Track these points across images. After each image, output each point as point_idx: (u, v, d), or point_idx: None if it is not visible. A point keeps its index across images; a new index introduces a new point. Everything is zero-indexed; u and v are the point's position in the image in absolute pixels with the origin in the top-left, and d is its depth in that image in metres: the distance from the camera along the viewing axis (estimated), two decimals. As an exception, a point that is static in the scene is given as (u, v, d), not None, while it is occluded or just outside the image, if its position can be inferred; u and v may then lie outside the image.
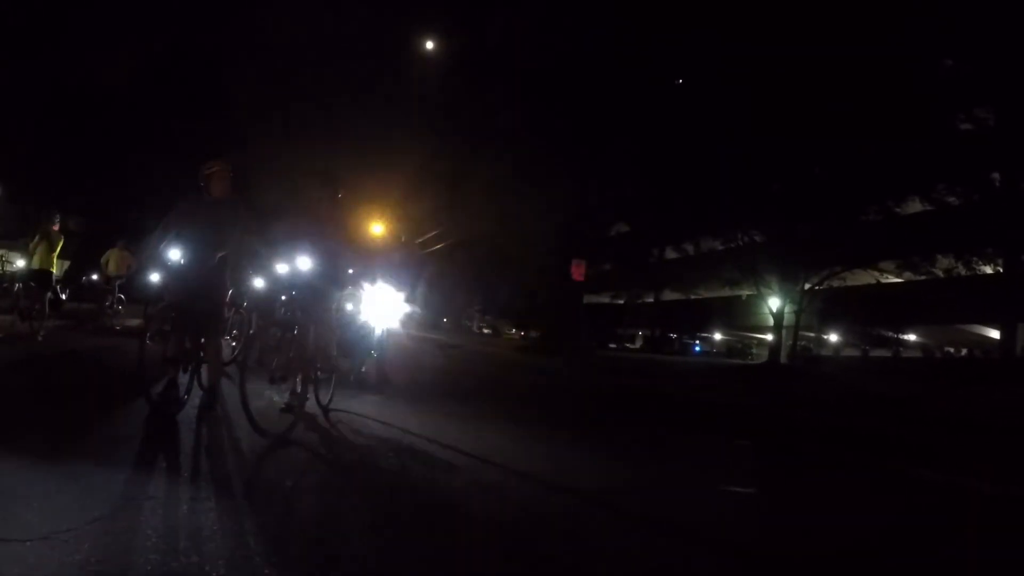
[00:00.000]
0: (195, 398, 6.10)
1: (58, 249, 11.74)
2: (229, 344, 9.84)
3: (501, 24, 30.30)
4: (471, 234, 33.88)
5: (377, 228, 18.42)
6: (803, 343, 35.10)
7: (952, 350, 38.84)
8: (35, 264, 11.50)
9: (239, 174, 6.54)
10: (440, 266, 36.63)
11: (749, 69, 23.28)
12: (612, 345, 47.38)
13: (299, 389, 6.32)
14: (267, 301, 9.50)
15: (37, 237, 11.54)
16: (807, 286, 26.19)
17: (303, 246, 6.61)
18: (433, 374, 14.48)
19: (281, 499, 4.11)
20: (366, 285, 8.55)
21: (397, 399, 8.82)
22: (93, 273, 17.94)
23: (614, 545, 4.01)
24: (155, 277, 12.34)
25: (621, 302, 48.73)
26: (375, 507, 4.21)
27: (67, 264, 15.64)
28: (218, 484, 4.13)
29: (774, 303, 27.38)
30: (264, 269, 9.06)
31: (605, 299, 48.09)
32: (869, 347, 38.63)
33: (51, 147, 33.14)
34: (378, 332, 9.82)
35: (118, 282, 15.82)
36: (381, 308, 9.63)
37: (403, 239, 14.14)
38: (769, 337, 31.85)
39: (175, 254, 6.22)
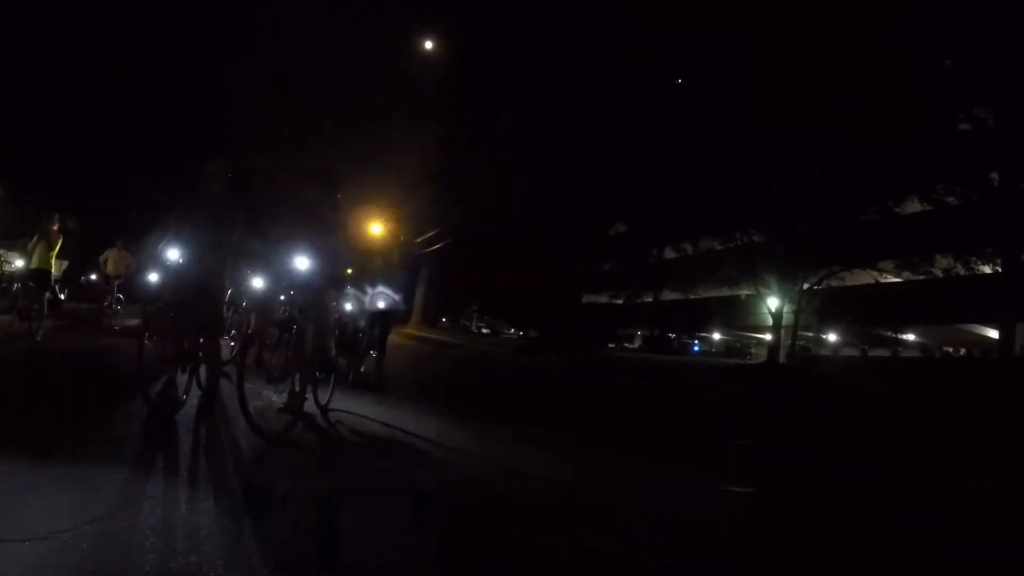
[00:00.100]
0: (194, 398, 6.09)
1: (57, 249, 11.72)
2: (228, 344, 9.84)
3: (501, 24, 30.27)
4: (470, 234, 33.84)
5: (376, 228, 18.42)
6: (802, 343, 35.07)
7: (951, 350, 38.81)
8: (34, 264, 11.48)
9: (238, 174, 6.53)
10: (438, 266, 36.64)
11: (749, 69, 23.29)
12: (611, 345, 47.37)
13: (297, 389, 6.32)
14: (266, 301, 9.48)
15: (36, 237, 11.52)
16: (806, 286, 26.18)
17: (302, 246, 6.60)
18: (431, 374, 14.47)
19: (279, 499, 4.11)
20: (365, 285, 8.55)
21: (395, 399, 8.81)
22: (92, 273, 17.93)
23: (614, 545, 4.02)
24: (154, 277, 12.35)
25: (620, 302, 48.70)
26: (373, 507, 4.21)
27: (66, 264, 15.64)
28: (216, 484, 4.13)
29: (773, 303, 27.38)
30: (263, 269, 9.06)
31: (604, 299, 48.07)
32: (868, 347, 38.59)
33: (50, 147, 33.12)
34: (377, 332, 9.82)
35: (117, 282, 15.79)
36: (380, 308, 9.62)
37: (402, 239, 14.10)
38: (768, 337, 31.85)
39: (174, 254, 6.22)
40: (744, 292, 33.46)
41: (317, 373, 6.66)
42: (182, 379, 6.03)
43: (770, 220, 25.69)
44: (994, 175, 23.42)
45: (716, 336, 52.66)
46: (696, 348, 51.94)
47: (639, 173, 28.62)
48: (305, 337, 6.42)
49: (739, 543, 4.35)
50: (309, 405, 6.46)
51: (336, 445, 5.88)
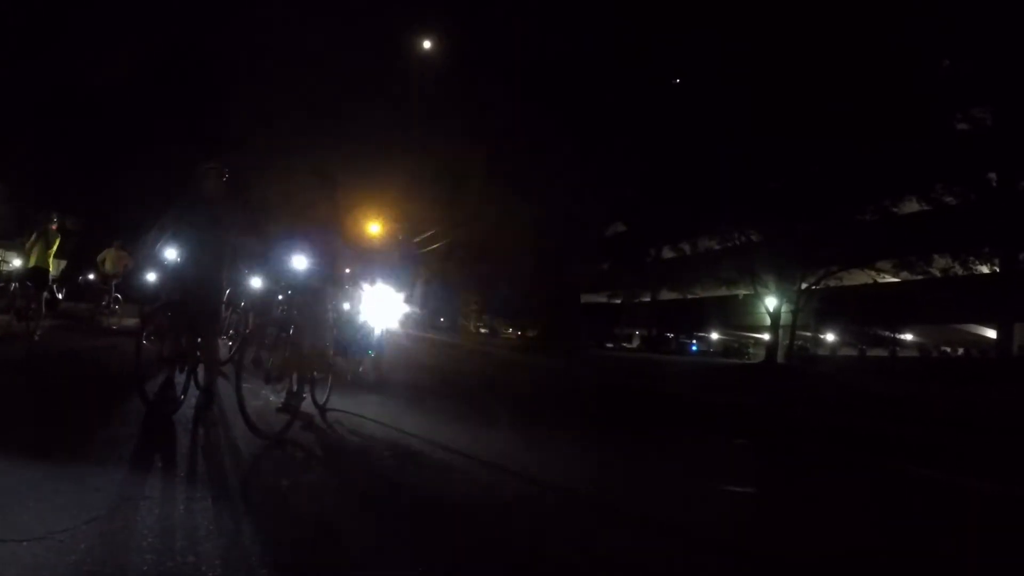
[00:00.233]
0: (191, 398, 6.09)
1: (55, 248, 11.72)
2: (226, 344, 9.84)
3: (500, 23, 30.26)
4: (468, 233, 33.84)
5: (374, 227, 18.37)
6: (800, 343, 35.07)
7: (949, 350, 38.85)
8: (32, 263, 11.47)
9: (236, 174, 6.53)
10: (437, 265, 36.63)
11: (748, 68, 23.30)
12: (609, 345, 47.40)
13: (295, 389, 6.31)
14: (264, 301, 9.48)
15: (34, 236, 11.53)
16: (804, 286, 26.20)
17: (300, 245, 6.60)
18: (430, 374, 14.46)
19: (277, 499, 4.11)
20: (364, 284, 8.54)
21: (394, 399, 8.81)
22: (90, 273, 17.92)
23: (613, 545, 4.01)
24: (152, 277, 12.34)
25: (618, 302, 48.74)
26: (371, 507, 4.21)
27: (64, 263, 15.60)
28: (214, 484, 4.13)
29: (771, 303, 27.40)
30: (261, 269, 9.05)
31: (602, 299, 48.10)
32: (866, 346, 38.64)
33: (48, 147, 33.08)
34: (376, 332, 9.81)
35: (115, 282, 15.79)
36: (379, 307, 9.62)
37: (400, 238, 14.09)
38: (766, 337, 31.86)
39: (171, 254, 6.21)
40: (742, 292, 33.46)
41: (315, 373, 6.66)
42: (180, 379, 6.04)
43: (768, 220, 25.70)
44: (992, 175, 23.44)
45: (714, 336, 52.67)
46: (694, 348, 51.97)
47: (637, 173, 28.61)
48: (303, 337, 6.41)
49: (739, 543, 4.35)
50: (307, 405, 6.45)
51: (334, 445, 5.88)
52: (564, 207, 28.05)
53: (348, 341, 8.74)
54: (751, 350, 46.09)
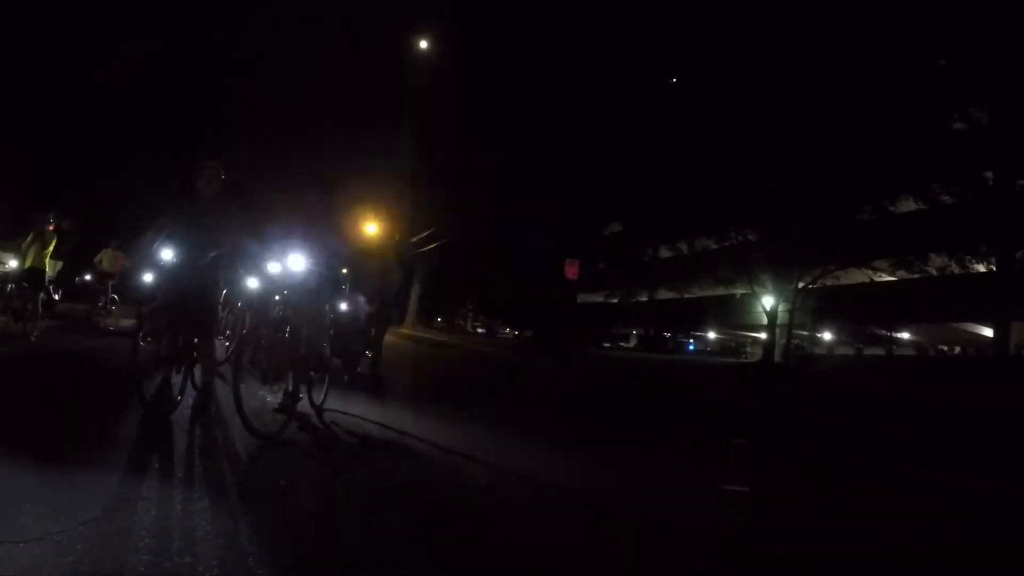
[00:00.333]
0: (188, 398, 6.09)
1: (51, 249, 11.71)
2: (223, 344, 9.83)
3: (496, 24, 30.30)
4: (466, 233, 33.86)
5: (371, 227, 18.37)
6: (797, 342, 35.11)
7: (946, 348, 38.89)
8: (28, 264, 11.46)
9: (232, 174, 6.53)
10: (434, 265, 36.68)
11: (744, 67, 23.31)
12: (607, 344, 47.41)
13: (291, 389, 6.31)
14: (261, 301, 9.47)
15: (30, 237, 11.51)
16: (801, 285, 26.19)
17: (297, 245, 6.59)
18: (427, 374, 14.47)
19: (274, 499, 4.11)
20: (360, 284, 8.55)
21: (391, 399, 8.82)
22: (86, 273, 17.92)
23: (612, 545, 4.02)
24: (149, 277, 12.33)
25: (615, 301, 48.79)
26: (369, 507, 4.21)
27: (60, 264, 15.59)
28: (211, 485, 4.13)
29: (768, 302, 27.39)
30: (257, 269, 9.05)
31: (599, 298, 48.14)
32: (863, 345, 38.68)
33: (45, 147, 33.09)
34: (373, 332, 9.82)
35: (111, 282, 15.79)
36: (376, 307, 9.62)
37: (397, 238, 14.10)
38: (763, 336, 31.88)
39: (168, 254, 6.21)
40: (739, 291, 33.48)
41: (311, 373, 6.65)
42: (177, 379, 6.03)
43: (765, 219, 25.69)
44: (989, 174, 23.48)
45: (711, 335, 52.71)
46: (691, 347, 51.99)
47: (635, 172, 28.63)
48: (300, 337, 6.41)
49: (738, 543, 4.34)
50: (304, 405, 6.45)
51: (331, 445, 5.88)
52: (561, 206, 28.08)
53: (346, 341, 8.75)
54: (748, 349, 46.13)
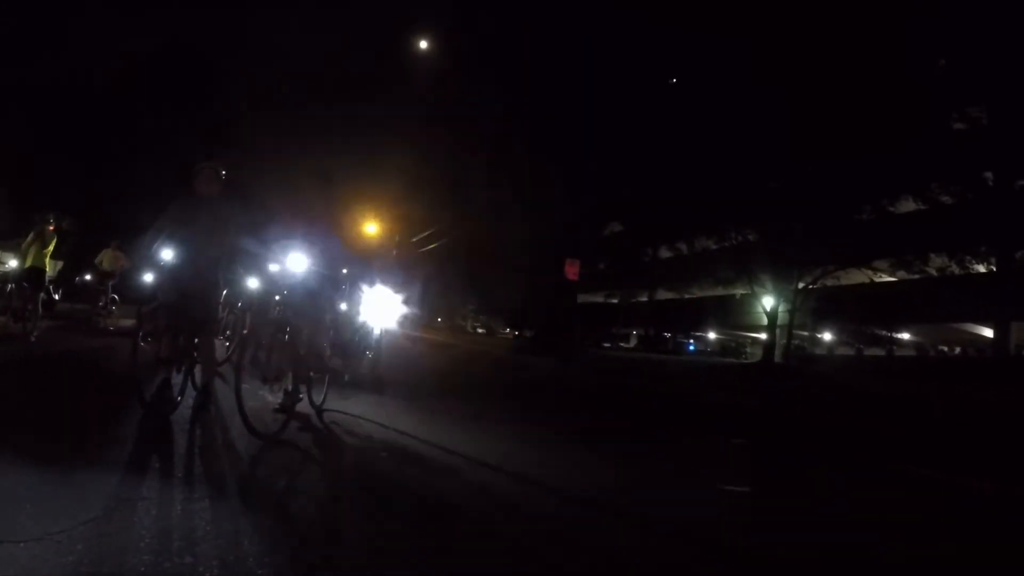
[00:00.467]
0: (189, 398, 6.08)
1: (51, 248, 11.70)
2: (223, 344, 9.83)
3: (497, 25, 30.30)
4: (466, 234, 33.87)
5: (372, 228, 18.39)
6: (797, 342, 35.09)
7: (946, 349, 38.87)
8: (28, 263, 11.45)
9: (233, 174, 6.53)
10: (434, 266, 36.66)
11: (744, 68, 23.32)
12: (606, 344, 47.42)
13: (292, 389, 6.31)
14: (261, 301, 9.47)
15: (30, 236, 11.50)
16: (801, 285, 26.21)
17: (297, 246, 6.59)
18: (427, 374, 14.47)
19: (275, 500, 4.11)
20: (362, 285, 8.54)
21: (391, 399, 8.82)
22: (87, 273, 17.93)
23: (610, 545, 4.01)
24: (149, 277, 12.32)
25: (615, 301, 48.83)
26: (368, 508, 4.20)
27: (60, 264, 15.58)
28: (212, 485, 4.12)
29: (768, 302, 27.41)
30: (258, 269, 9.05)
31: (599, 298, 48.18)
32: (863, 346, 38.64)
33: (46, 147, 33.07)
34: (374, 332, 9.82)
35: (111, 282, 15.79)
36: (377, 308, 9.62)
37: (397, 239, 14.09)
38: (763, 336, 31.88)
39: (168, 254, 6.20)
40: (739, 292, 33.50)
41: (312, 373, 6.65)
42: (177, 379, 6.02)
43: (765, 219, 25.71)
44: (988, 174, 23.49)
45: (711, 335, 52.69)
46: (692, 347, 51.96)
47: (634, 173, 28.65)
48: (300, 337, 6.41)
49: (738, 543, 4.34)
50: (304, 406, 6.45)
51: (331, 445, 5.87)
52: (561, 207, 28.09)
53: (346, 341, 8.75)
54: (748, 350, 46.12)
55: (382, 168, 31.27)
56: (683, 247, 37.72)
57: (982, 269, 25.33)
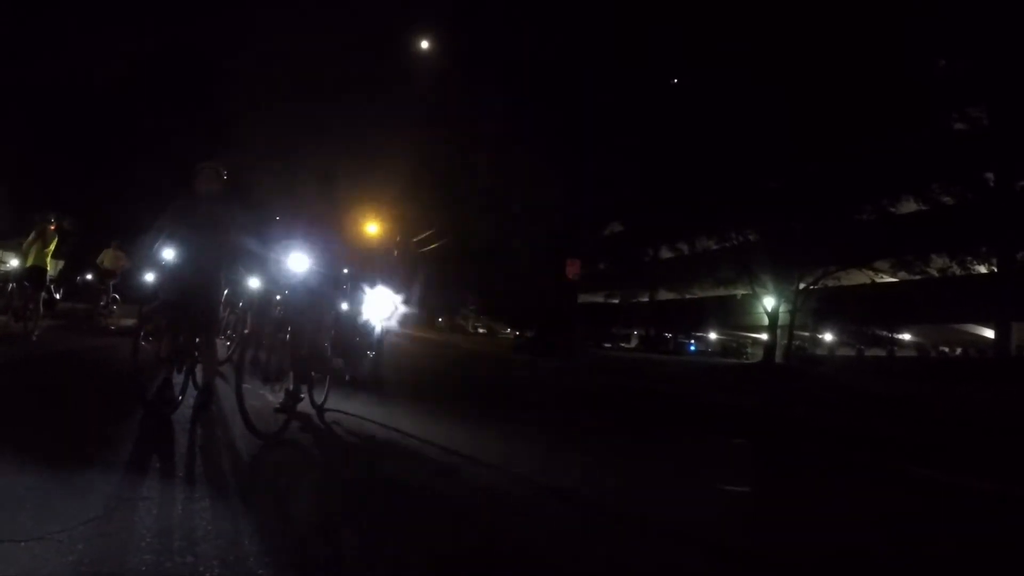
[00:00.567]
0: (190, 398, 6.08)
1: (52, 248, 11.71)
2: (224, 344, 9.83)
3: (498, 24, 30.31)
4: (466, 233, 33.88)
5: (372, 228, 18.37)
6: (798, 343, 35.06)
7: (947, 349, 38.84)
8: (29, 263, 11.46)
9: (234, 173, 6.53)
10: (435, 266, 36.70)
11: (744, 67, 23.31)
12: (607, 344, 47.39)
13: (293, 389, 6.31)
14: (262, 301, 9.47)
15: (32, 236, 11.51)
16: (802, 286, 26.19)
17: (298, 245, 6.59)
18: (428, 374, 14.47)
19: (276, 500, 4.11)
20: (364, 285, 8.54)
21: (392, 399, 8.82)
22: (88, 273, 17.95)
23: (611, 546, 4.01)
24: (150, 276, 12.34)
25: (616, 301, 48.78)
26: (369, 508, 4.20)
27: (62, 263, 15.62)
28: (213, 484, 4.12)
29: (769, 302, 27.39)
30: (259, 268, 9.05)
31: (600, 299, 48.14)
32: (864, 346, 38.60)
33: (46, 146, 33.10)
34: (376, 332, 9.82)
35: (112, 282, 15.80)
36: (378, 308, 9.62)
37: (399, 239, 14.10)
38: (764, 337, 31.86)
39: (169, 254, 6.20)
40: (740, 292, 33.48)
41: (313, 373, 6.65)
42: (178, 379, 6.03)
43: (766, 219, 25.70)
44: (989, 174, 23.48)
45: (712, 336, 52.65)
46: (692, 348, 51.91)
47: (634, 172, 28.65)
48: (301, 337, 6.41)
49: (738, 543, 4.34)
50: (305, 405, 6.45)
51: (332, 445, 5.87)
52: (562, 207, 28.10)
53: (347, 341, 8.74)
54: (749, 350, 46.08)
55: (383, 168, 31.36)
56: (684, 247, 37.68)
57: (983, 270, 25.31)
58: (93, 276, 16.85)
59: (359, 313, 9.17)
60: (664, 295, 45.48)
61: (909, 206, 25.13)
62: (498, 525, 4.21)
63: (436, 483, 5.01)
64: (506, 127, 28.99)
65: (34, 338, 11.05)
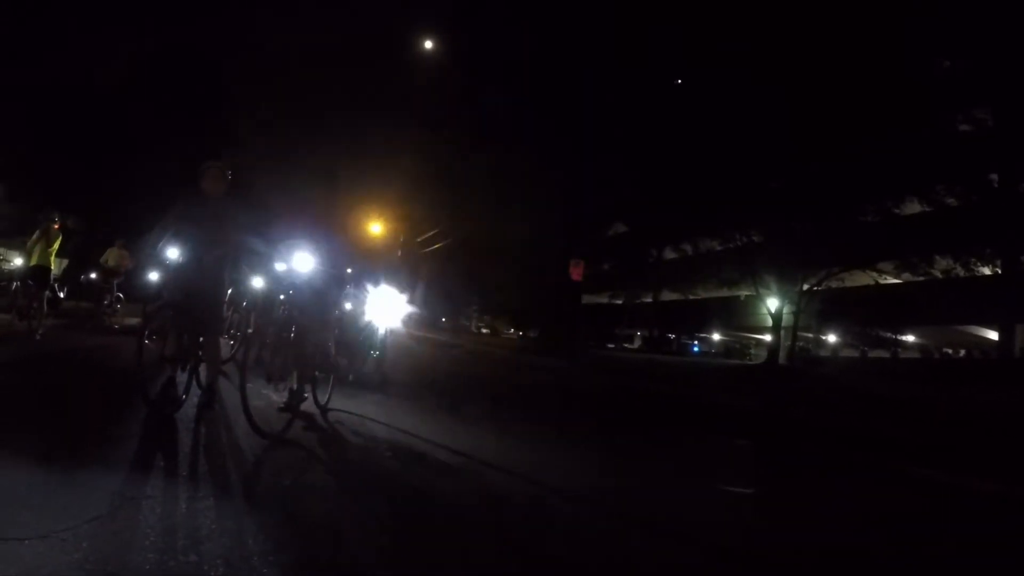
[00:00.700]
0: (193, 397, 6.09)
1: (56, 247, 11.72)
2: (227, 343, 9.84)
3: (501, 24, 30.28)
4: (470, 234, 33.85)
5: (376, 228, 18.39)
6: (801, 344, 35.05)
7: (950, 351, 38.79)
8: (33, 262, 11.47)
9: (237, 173, 6.54)
10: (439, 266, 36.67)
11: (748, 68, 23.28)
12: (610, 345, 47.37)
13: (296, 388, 6.31)
14: (266, 300, 9.48)
15: (36, 235, 11.52)
16: (805, 287, 26.17)
17: (302, 245, 6.59)
18: (431, 374, 14.46)
19: (279, 499, 4.11)
20: (367, 285, 8.55)
21: (395, 399, 8.82)
22: (92, 272, 17.98)
23: (613, 546, 4.01)
24: (154, 276, 12.35)
25: (619, 302, 48.72)
26: (373, 507, 4.20)
27: (66, 262, 15.65)
28: (216, 483, 4.13)
29: (772, 304, 27.38)
30: (263, 268, 9.06)
31: (603, 299, 48.09)
32: (867, 348, 38.55)
33: (50, 146, 33.12)
34: (379, 332, 9.83)
35: (117, 281, 15.81)
36: (381, 307, 9.63)
37: (402, 239, 14.11)
38: (767, 338, 31.85)
39: (174, 253, 6.21)
40: (744, 293, 33.48)
41: (316, 373, 6.65)
42: (182, 378, 6.03)
43: (769, 220, 25.68)
44: (993, 176, 23.43)
45: (716, 337, 52.62)
46: (696, 349, 51.88)
47: (638, 173, 28.63)
48: (305, 337, 6.41)
49: (739, 544, 4.34)
50: (309, 405, 6.45)
51: (336, 445, 5.87)
52: (565, 207, 28.08)
53: (351, 341, 8.75)
54: (753, 351, 46.06)
55: (386, 168, 31.32)
56: (687, 248, 37.69)
57: (987, 271, 25.25)
58: (97, 275, 16.85)
59: (363, 313, 9.19)
60: (668, 296, 45.43)
61: (913, 207, 25.07)
62: (500, 524, 4.21)
63: (439, 483, 5.02)
64: (510, 127, 28.94)
65: (38, 337, 11.07)
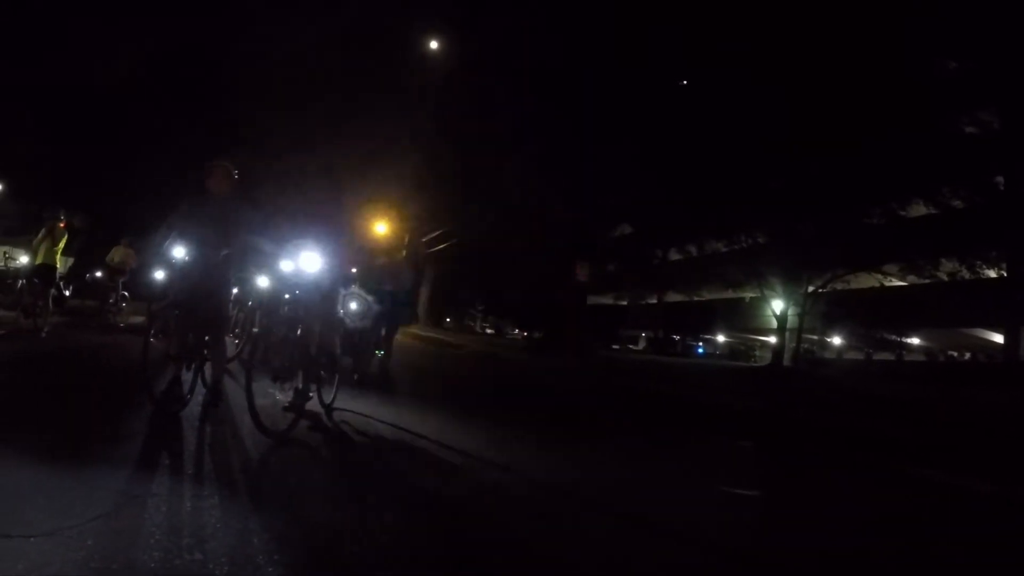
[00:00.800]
0: (199, 396, 6.10)
1: (62, 245, 11.75)
2: (233, 342, 9.85)
3: (505, 23, 30.25)
4: (474, 234, 33.84)
5: (381, 227, 18.37)
6: (806, 346, 35.02)
7: (955, 354, 38.76)
8: (39, 260, 11.51)
9: (243, 172, 6.54)
10: (443, 266, 36.67)
11: (753, 69, 23.24)
12: (615, 346, 47.34)
13: (301, 387, 6.31)
14: (271, 299, 9.48)
15: (41, 233, 11.56)
16: (810, 289, 26.14)
17: (308, 244, 6.59)
18: (436, 374, 14.47)
19: (284, 498, 4.11)
20: (370, 284, 8.55)
21: (400, 399, 8.82)
22: (97, 270, 18.01)
23: (615, 547, 4.01)
24: (159, 274, 12.38)
25: (624, 303, 48.68)
26: (377, 507, 4.20)
27: (71, 261, 15.68)
28: (221, 482, 4.14)
29: (777, 305, 27.34)
30: (268, 267, 9.06)
31: (608, 300, 48.03)
32: (872, 350, 38.53)
33: (55, 144, 33.24)
34: (383, 331, 9.82)
35: (122, 279, 15.84)
36: (385, 307, 9.62)
37: (407, 238, 14.11)
38: (772, 340, 31.82)
39: (180, 252, 6.22)
40: (748, 294, 33.44)
41: (322, 372, 6.66)
42: (187, 377, 6.04)
43: (774, 222, 25.64)
44: (999, 178, 23.37)
45: (720, 338, 52.59)
46: (700, 350, 51.87)
47: (643, 174, 28.57)
48: (310, 336, 6.42)
49: (740, 544, 4.34)
50: (314, 404, 6.46)
51: (341, 444, 5.88)
52: (571, 208, 28.04)
53: (356, 341, 8.75)
54: (757, 353, 46.05)
55: (392, 168, 31.32)
56: (693, 249, 37.60)
57: (992, 274, 25.19)
58: (103, 273, 16.88)
59: (368, 312, 9.18)
60: (672, 297, 45.35)
61: (918, 209, 24.99)
62: (504, 524, 4.21)
63: (444, 482, 5.02)
64: (515, 127, 28.90)
65: (43, 335, 11.10)
